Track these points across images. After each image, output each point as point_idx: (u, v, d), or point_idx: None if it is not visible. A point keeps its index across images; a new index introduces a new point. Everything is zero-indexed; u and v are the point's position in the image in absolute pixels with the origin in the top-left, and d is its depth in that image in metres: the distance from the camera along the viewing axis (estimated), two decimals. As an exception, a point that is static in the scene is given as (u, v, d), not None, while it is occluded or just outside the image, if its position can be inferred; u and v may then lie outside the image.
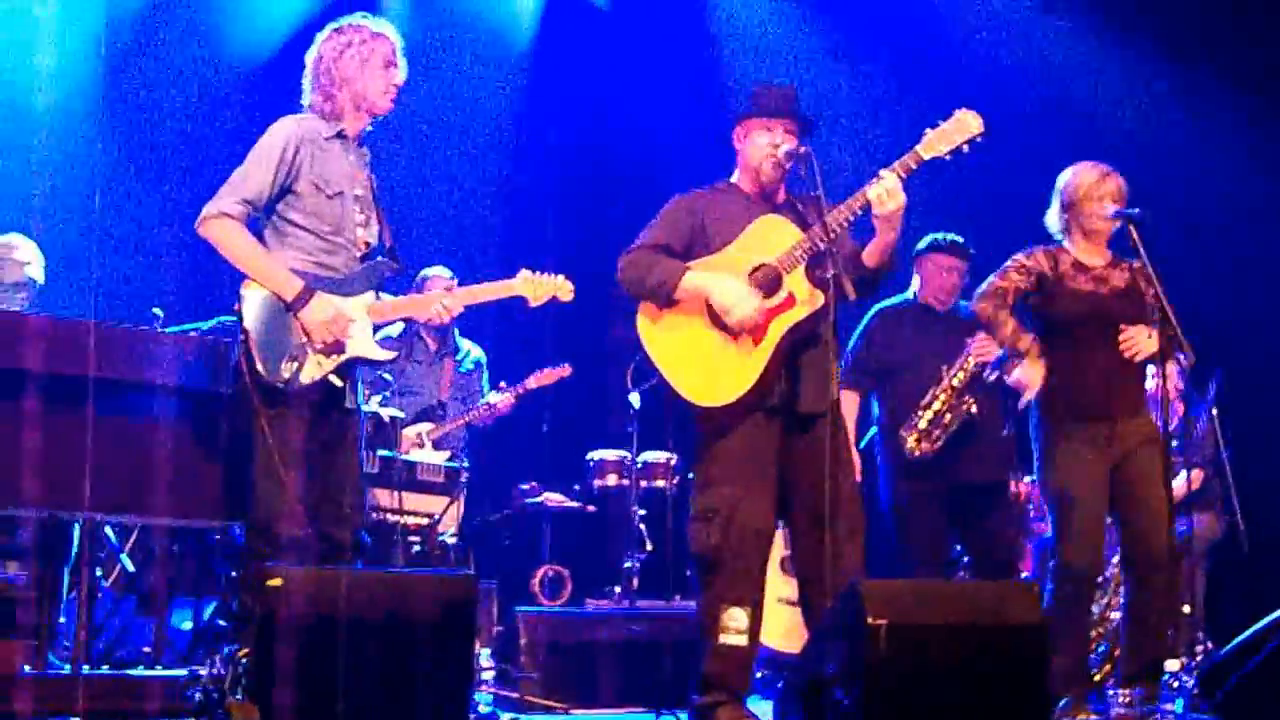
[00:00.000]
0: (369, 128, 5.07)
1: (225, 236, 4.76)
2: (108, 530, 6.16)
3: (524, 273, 5.22)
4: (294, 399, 4.71)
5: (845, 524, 4.75)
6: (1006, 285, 5.52)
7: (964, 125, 4.83)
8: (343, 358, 4.82)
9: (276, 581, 3.88)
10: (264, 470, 4.64)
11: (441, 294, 5.20)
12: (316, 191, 4.86)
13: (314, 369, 4.75)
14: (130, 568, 6.31)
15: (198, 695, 4.18)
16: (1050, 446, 5.49)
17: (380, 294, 4.98)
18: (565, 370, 7.57)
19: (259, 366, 4.68)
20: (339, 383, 4.83)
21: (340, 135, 4.97)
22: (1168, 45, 8.31)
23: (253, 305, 4.74)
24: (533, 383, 7.51)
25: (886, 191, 4.74)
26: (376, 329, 5.01)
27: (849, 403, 6.34)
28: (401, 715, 3.85)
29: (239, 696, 4.03)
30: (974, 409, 6.26)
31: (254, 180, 4.81)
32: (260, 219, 4.88)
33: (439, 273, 7.48)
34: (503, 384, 7.51)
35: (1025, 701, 4.13)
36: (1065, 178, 5.60)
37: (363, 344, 4.88)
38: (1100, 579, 6.04)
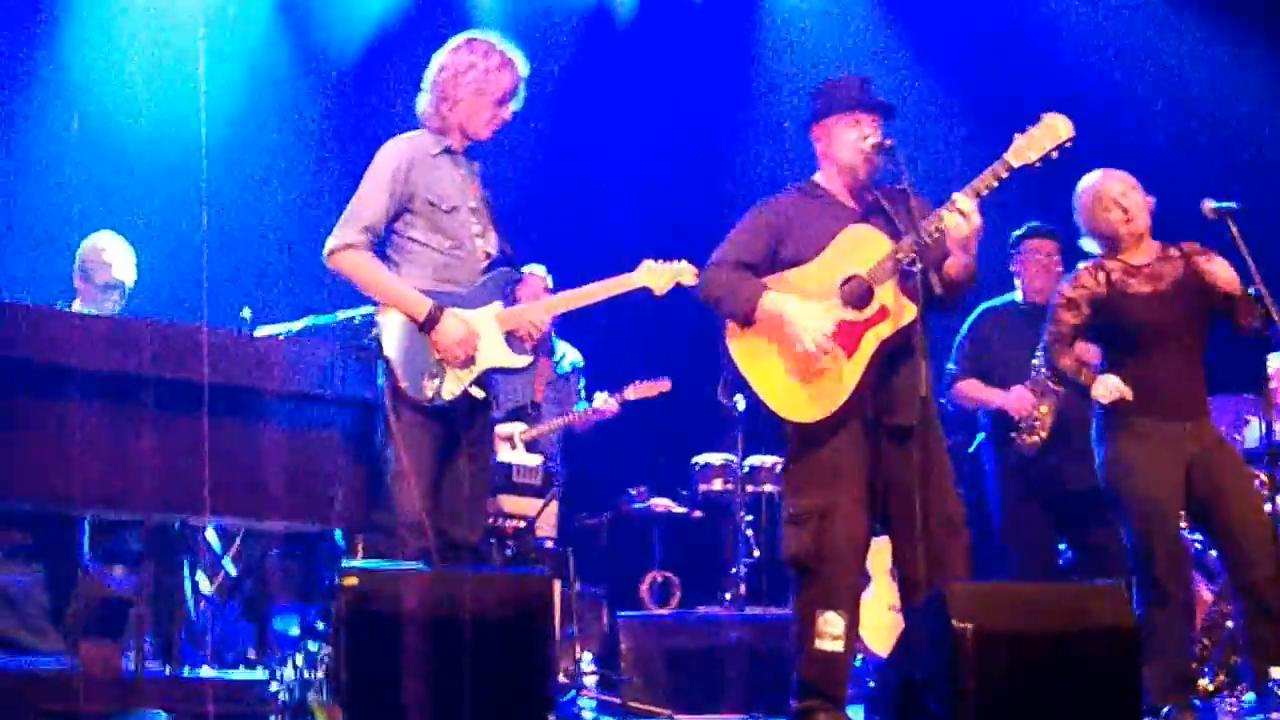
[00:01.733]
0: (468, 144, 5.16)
1: (355, 268, 4.96)
2: (210, 536, 6.31)
3: (646, 263, 5.31)
4: (438, 413, 4.91)
5: (944, 527, 4.76)
6: (1061, 329, 5.56)
7: (1053, 130, 4.80)
8: (479, 370, 4.99)
9: (352, 580, 3.97)
10: (399, 479, 4.83)
11: (568, 295, 5.30)
12: (433, 209, 5.01)
13: (454, 384, 4.93)
14: (233, 572, 6.47)
15: (281, 695, 4.29)
16: (1122, 452, 5.44)
17: (505, 302, 5.12)
18: (665, 385, 7.60)
19: (402, 385, 4.87)
20: (480, 394, 5.02)
21: (448, 150, 5.10)
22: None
23: (390, 329, 4.93)
24: (631, 393, 7.55)
25: (962, 216, 4.73)
26: (508, 337, 5.11)
27: (972, 385, 6.48)
28: (479, 714, 3.91)
29: (322, 696, 4.14)
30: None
31: (372, 206, 4.98)
32: (381, 240, 5.04)
33: (534, 270, 7.50)
34: (604, 393, 7.56)
35: (1117, 707, 4.10)
36: (1075, 198, 5.62)
37: (496, 353, 5.04)
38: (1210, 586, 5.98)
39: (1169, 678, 5.20)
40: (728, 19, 9.37)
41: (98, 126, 7.87)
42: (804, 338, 4.88)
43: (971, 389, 6.52)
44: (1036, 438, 6.27)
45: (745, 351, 5.03)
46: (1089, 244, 5.63)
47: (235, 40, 8.39)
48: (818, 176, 5.18)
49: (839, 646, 4.86)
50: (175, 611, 5.49)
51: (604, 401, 7.52)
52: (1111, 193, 5.52)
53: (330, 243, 4.99)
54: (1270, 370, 5.98)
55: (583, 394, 7.73)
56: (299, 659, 4.21)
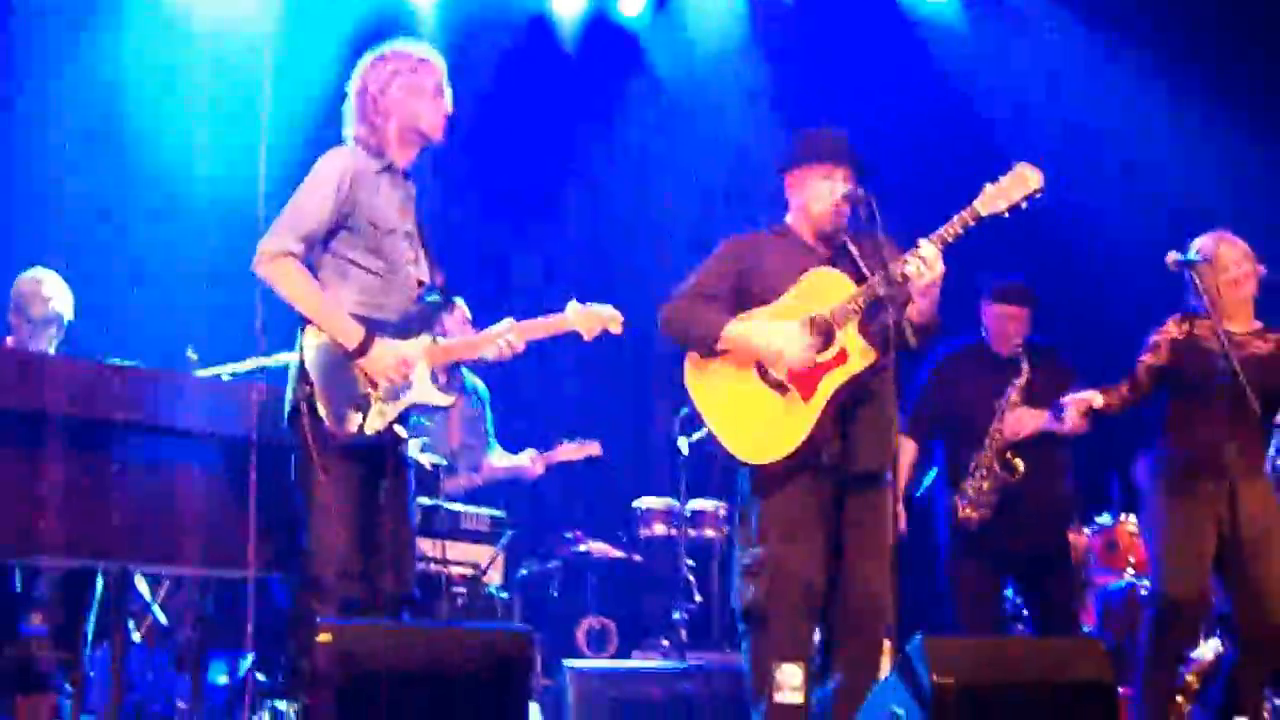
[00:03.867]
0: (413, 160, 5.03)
1: (285, 277, 4.71)
2: (138, 582, 6.26)
3: (573, 304, 5.12)
4: (355, 450, 4.68)
5: (868, 608, 4.95)
6: (1140, 370, 5.82)
7: (1023, 180, 4.88)
8: (404, 404, 4.80)
9: (326, 637, 3.96)
10: (320, 522, 4.62)
11: (505, 330, 5.04)
12: (372, 228, 4.81)
13: (378, 419, 4.71)
14: (163, 620, 6.43)
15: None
16: (1163, 499, 5.72)
17: (435, 336, 4.95)
18: (595, 449, 7.56)
19: (324, 417, 4.64)
20: (403, 432, 4.83)
21: (389, 169, 4.92)
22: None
23: (314, 352, 4.69)
24: (560, 455, 7.50)
25: (924, 263, 4.82)
26: (433, 373, 4.93)
27: (905, 451, 6.37)
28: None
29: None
30: (1019, 471, 6.31)
31: (310, 214, 4.75)
32: (314, 256, 4.81)
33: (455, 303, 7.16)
34: (531, 450, 7.49)
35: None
36: (1191, 248, 5.78)
37: (422, 389, 4.84)
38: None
39: (1154, 703, 5.43)
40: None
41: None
42: (786, 349, 4.93)
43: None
44: (977, 514, 6.38)
45: (704, 387, 5.08)
46: (1201, 277, 5.73)
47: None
48: (788, 219, 5.27)
49: (798, 699, 4.89)
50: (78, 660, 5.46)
51: (530, 460, 7.42)
52: (1225, 257, 5.73)
53: (263, 246, 4.72)
54: None
55: (490, 431, 7.59)
56: (267, 717, 4.22)
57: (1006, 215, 4.89)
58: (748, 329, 5.00)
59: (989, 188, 4.91)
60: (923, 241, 4.86)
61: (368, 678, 3.91)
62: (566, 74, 9.30)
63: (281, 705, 4.20)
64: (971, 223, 4.89)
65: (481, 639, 4.11)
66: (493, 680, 4.03)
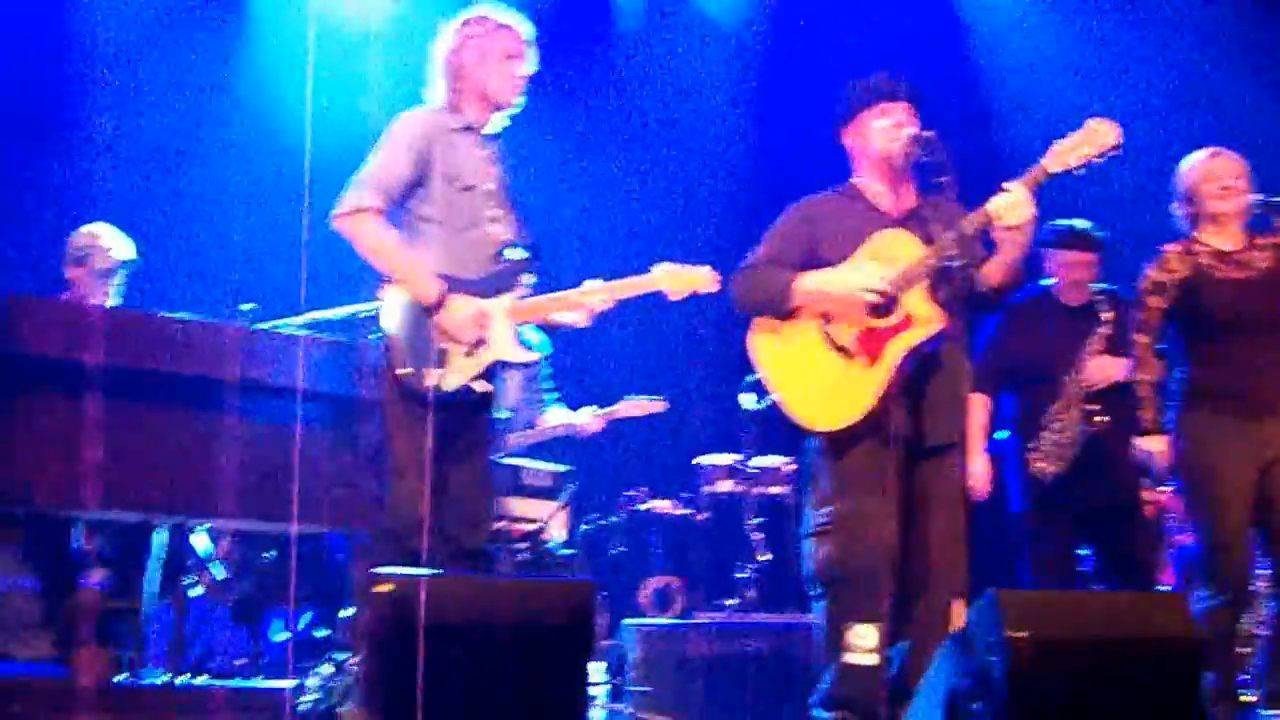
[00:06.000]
0: (504, 122, 5.11)
1: (366, 234, 4.82)
2: (197, 538, 6.30)
3: (664, 265, 5.17)
4: (437, 406, 4.74)
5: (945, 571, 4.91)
6: (1149, 317, 5.64)
7: (1096, 136, 4.79)
8: (486, 362, 4.87)
9: (387, 587, 3.97)
10: (397, 475, 4.73)
11: (591, 291, 5.09)
12: (448, 185, 4.89)
13: (458, 375, 4.81)
14: (220, 575, 6.47)
15: (307, 706, 4.29)
16: (1192, 446, 5.54)
17: (518, 294, 5.00)
18: (659, 405, 7.54)
19: (402, 373, 4.75)
20: (484, 388, 4.90)
21: (468, 128, 5.02)
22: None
23: (394, 309, 4.80)
24: (623, 411, 7.48)
25: (1011, 203, 4.75)
26: (517, 331, 5.00)
27: (976, 406, 6.32)
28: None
29: (350, 707, 4.15)
30: (1099, 420, 6.28)
31: (391, 170, 4.86)
32: (392, 214, 4.90)
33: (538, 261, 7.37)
34: (592, 407, 7.48)
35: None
36: (1180, 169, 5.72)
37: (504, 346, 4.92)
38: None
39: (1218, 686, 5.27)
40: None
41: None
42: (864, 282, 4.87)
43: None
44: (1053, 467, 6.34)
45: (770, 355, 5.05)
46: (1179, 215, 5.73)
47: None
48: (855, 179, 5.20)
49: (872, 660, 4.86)
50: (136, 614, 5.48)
51: (590, 418, 7.42)
52: (1220, 170, 5.63)
53: (344, 202, 4.84)
54: None
55: (548, 387, 7.59)
56: (326, 668, 4.22)
57: (1078, 173, 4.80)
58: (818, 280, 4.95)
59: (1057, 144, 4.82)
60: (1009, 184, 4.78)
61: (428, 629, 3.89)
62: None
63: (341, 656, 4.20)
64: (1041, 180, 4.80)
65: (544, 591, 4.10)
66: (555, 633, 4.02)
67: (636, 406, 7.52)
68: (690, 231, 8.90)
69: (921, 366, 4.93)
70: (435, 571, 4.21)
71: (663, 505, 7.83)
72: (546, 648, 4.06)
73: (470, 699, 3.97)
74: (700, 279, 5.18)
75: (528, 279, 5.05)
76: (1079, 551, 6.68)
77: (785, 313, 5.01)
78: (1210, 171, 5.64)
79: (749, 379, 5.10)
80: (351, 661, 4.20)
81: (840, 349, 4.95)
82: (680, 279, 5.16)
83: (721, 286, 5.19)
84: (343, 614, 5.22)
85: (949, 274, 4.81)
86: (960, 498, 4.86)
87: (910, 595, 4.92)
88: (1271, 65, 8.37)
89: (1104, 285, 6.47)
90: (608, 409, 7.48)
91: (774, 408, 5.04)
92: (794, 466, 7.50)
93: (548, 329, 5.35)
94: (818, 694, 5.00)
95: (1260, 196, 5.60)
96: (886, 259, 4.94)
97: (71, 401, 4.64)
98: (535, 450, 7.26)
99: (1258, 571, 5.83)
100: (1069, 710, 4.08)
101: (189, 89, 8.29)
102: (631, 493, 7.88)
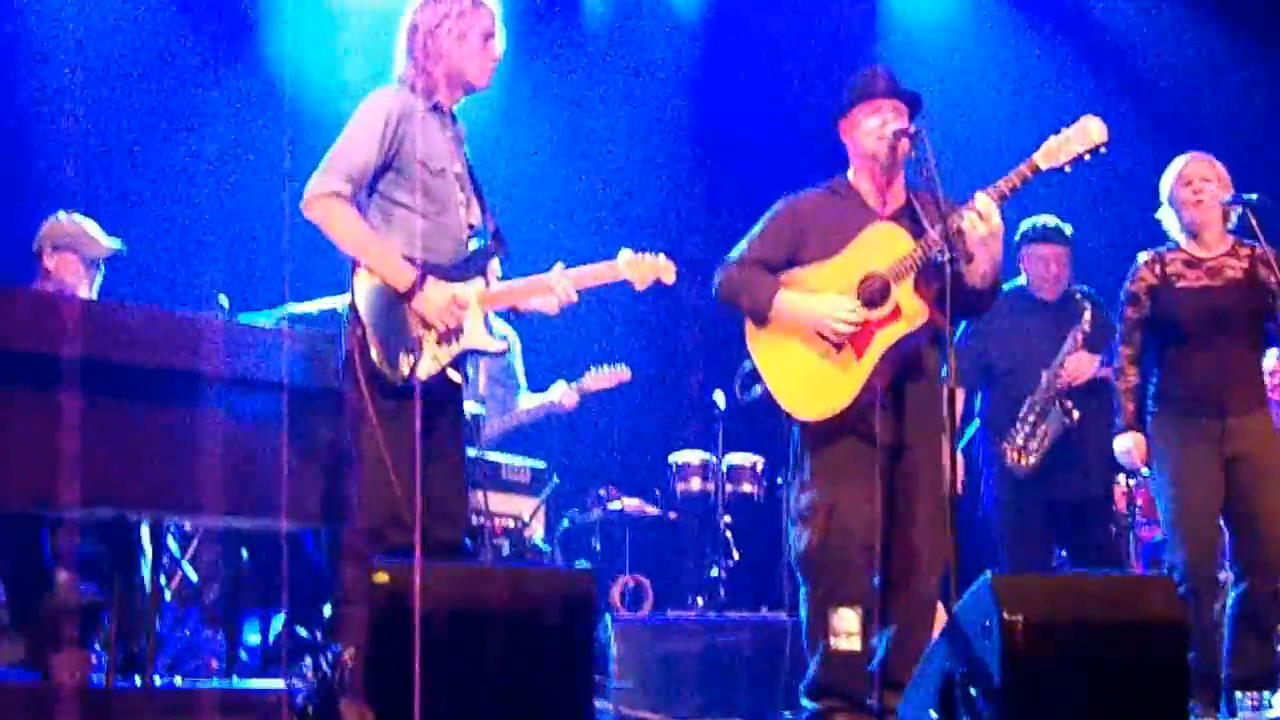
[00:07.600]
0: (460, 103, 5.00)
1: (333, 218, 4.67)
2: (169, 539, 6.27)
3: (625, 253, 5.10)
4: (409, 395, 4.57)
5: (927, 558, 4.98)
6: (1127, 329, 5.80)
7: (1086, 133, 4.86)
8: (459, 349, 4.78)
9: (384, 577, 3.96)
10: (371, 468, 4.59)
11: (557, 277, 5.00)
12: (422, 168, 4.74)
13: (430, 363, 4.69)
14: (193, 577, 6.44)
15: (298, 704, 4.27)
16: (1162, 446, 5.69)
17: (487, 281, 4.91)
18: (624, 373, 7.60)
19: (375, 361, 4.63)
20: (456, 377, 4.80)
21: (436, 108, 4.89)
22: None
23: (365, 295, 4.67)
24: (589, 383, 7.55)
25: (979, 215, 4.81)
26: (486, 319, 4.93)
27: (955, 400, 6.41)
28: (522, 713, 3.95)
29: (345, 701, 4.14)
30: (1075, 415, 6.38)
31: (358, 154, 4.71)
32: (361, 199, 4.77)
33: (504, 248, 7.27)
34: (562, 382, 7.55)
35: (1166, 701, 4.23)
36: (1161, 179, 5.83)
37: (476, 334, 4.83)
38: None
39: (1197, 671, 5.36)
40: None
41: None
42: (830, 322, 4.97)
43: None
44: (1026, 461, 6.43)
45: (764, 344, 5.12)
46: (1164, 220, 5.82)
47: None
48: (848, 174, 5.25)
49: (855, 645, 4.94)
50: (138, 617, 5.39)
51: (563, 393, 7.48)
52: (1189, 172, 5.72)
53: (310, 188, 4.69)
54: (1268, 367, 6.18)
55: (521, 377, 7.62)
56: (311, 666, 4.20)
57: (1067, 169, 4.88)
58: (795, 307, 5.04)
59: (1051, 140, 4.89)
60: (978, 194, 4.85)
61: (430, 618, 3.85)
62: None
63: (329, 654, 4.16)
64: (1030, 175, 4.88)
65: (546, 579, 4.11)
66: (559, 620, 4.04)
67: (604, 378, 7.60)
68: (651, 216, 8.98)
69: (904, 364, 5.02)
70: (432, 562, 4.18)
71: (633, 504, 7.85)
72: (551, 634, 4.07)
73: (471, 687, 3.97)
74: (661, 268, 5.14)
75: (496, 265, 4.99)
76: (1052, 544, 6.77)
77: (763, 323, 5.10)
78: (1181, 175, 5.76)
79: (745, 366, 5.13)
80: (344, 657, 4.16)
81: (831, 340, 5.02)
82: (643, 267, 5.11)
83: (678, 278, 5.19)
84: (325, 610, 5.18)
85: (937, 269, 4.84)
86: (941, 488, 4.90)
87: (894, 583, 4.97)
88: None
89: (1081, 286, 6.60)
90: (576, 382, 7.54)
91: (753, 403, 5.10)
92: (763, 465, 7.56)
93: (516, 317, 5.28)
94: (804, 682, 5.05)
95: (1232, 194, 5.68)
96: (874, 253, 5.01)
97: (44, 396, 4.55)
98: (512, 444, 7.28)
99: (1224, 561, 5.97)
100: (1064, 692, 4.13)
101: (162, 79, 8.30)
102: (602, 492, 7.89)
